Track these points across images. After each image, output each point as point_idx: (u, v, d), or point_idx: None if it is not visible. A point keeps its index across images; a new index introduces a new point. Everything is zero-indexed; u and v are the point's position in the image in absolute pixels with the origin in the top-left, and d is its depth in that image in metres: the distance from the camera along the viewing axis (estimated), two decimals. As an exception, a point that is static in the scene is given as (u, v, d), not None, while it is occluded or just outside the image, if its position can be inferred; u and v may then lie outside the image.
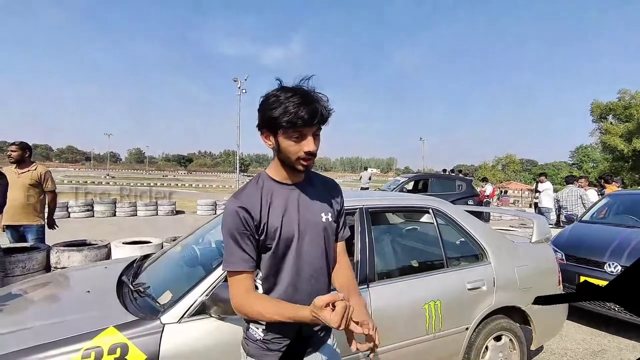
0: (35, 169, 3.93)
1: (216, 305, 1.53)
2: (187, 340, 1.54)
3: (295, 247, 1.11)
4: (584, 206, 6.56)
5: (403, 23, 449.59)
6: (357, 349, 0.98)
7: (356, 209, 2.16)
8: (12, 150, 3.86)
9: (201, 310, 1.59)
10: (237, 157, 30.97)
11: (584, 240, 4.24)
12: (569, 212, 6.64)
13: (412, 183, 10.15)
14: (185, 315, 1.57)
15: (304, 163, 1.07)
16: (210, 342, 1.56)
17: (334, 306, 0.91)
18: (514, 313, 2.51)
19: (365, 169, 15.96)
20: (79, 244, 4.05)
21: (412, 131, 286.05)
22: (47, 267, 3.73)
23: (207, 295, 1.60)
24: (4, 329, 1.55)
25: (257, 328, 1.14)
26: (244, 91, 27.04)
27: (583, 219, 5.04)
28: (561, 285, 2.82)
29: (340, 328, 0.91)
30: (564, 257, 4.03)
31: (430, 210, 2.45)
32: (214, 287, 1.62)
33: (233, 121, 28.05)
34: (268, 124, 1.06)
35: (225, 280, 1.32)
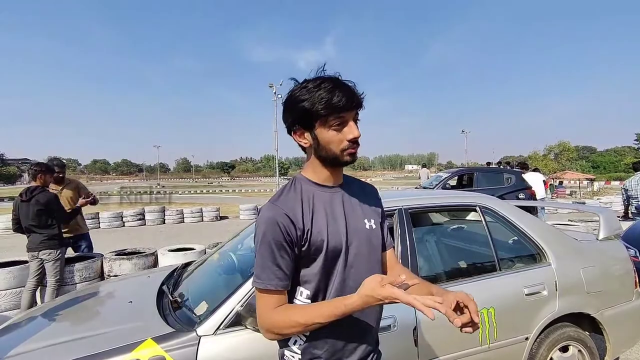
0: (70, 183, 4.29)
1: (252, 316, 1.48)
2: (223, 352, 1.49)
3: (342, 259, 0.96)
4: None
5: (441, 13, 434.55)
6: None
7: (394, 209, 2.03)
8: (58, 172, 4.00)
9: (237, 321, 1.54)
10: (277, 162, 31.73)
11: (663, 234, 3.72)
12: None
13: (455, 178, 9.65)
14: (221, 327, 1.53)
15: (351, 152, 0.95)
16: (246, 354, 1.51)
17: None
18: (583, 320, 2.24)
19: (424, 165, 14.74)
20: (129, 253, 4.27)
21: (454, 124, 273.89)
22: (102, 275, 3.97)
23: (242, 305, 1.55)
24: (53, 340, 1.61)
25: (293, 356, 1.00)
26: (279, 96, 27.55)
27: (658, 209, 4.45)
28: (639, 288, 2.47)
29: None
30: (638, 255, 3.56)
31: (477, 208, 2.24)
32: (249, 297, 1.56)
33: (271, 126, 28.71)
34: (301, 118, 0.94)
35: None
